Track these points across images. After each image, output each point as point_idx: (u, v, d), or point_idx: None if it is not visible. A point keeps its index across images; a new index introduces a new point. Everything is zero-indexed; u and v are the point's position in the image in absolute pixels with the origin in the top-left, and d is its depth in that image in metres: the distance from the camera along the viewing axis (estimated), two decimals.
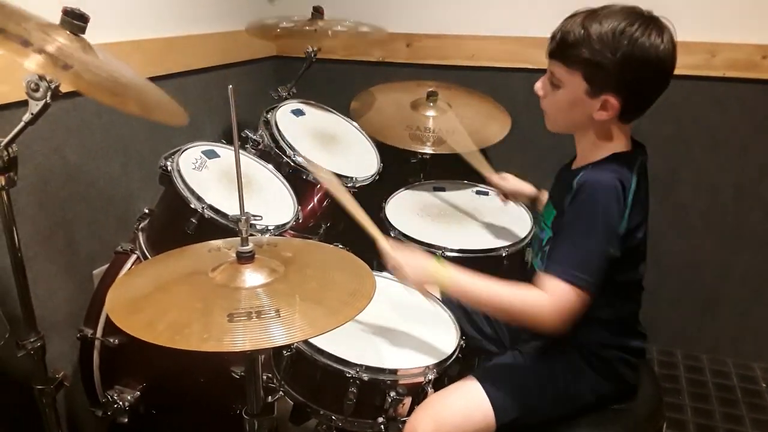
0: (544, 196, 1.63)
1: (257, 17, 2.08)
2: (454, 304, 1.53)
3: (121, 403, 1.47)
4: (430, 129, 2.05)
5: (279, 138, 1.75)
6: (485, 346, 1.51)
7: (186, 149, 1.54)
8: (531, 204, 1.75)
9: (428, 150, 2.00)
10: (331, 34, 1.98)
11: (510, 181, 1.74)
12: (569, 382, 1.25)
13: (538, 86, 1.27)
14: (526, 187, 1.71)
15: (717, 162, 2.13)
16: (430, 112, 2.10)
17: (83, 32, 1.09)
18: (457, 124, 2.04)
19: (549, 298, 1.12)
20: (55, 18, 1.08)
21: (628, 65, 1.11)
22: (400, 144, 2.00)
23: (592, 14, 1.14)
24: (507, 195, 1.76)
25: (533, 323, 1.15)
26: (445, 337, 1.36)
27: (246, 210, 0.99)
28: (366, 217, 1.35)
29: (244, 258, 0.97)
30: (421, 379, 1.23)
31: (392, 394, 1.20)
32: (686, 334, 2.31)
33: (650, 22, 1.13)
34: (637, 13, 1.14)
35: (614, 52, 1.11)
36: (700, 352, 2.33)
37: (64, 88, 1.03)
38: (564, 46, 1.17)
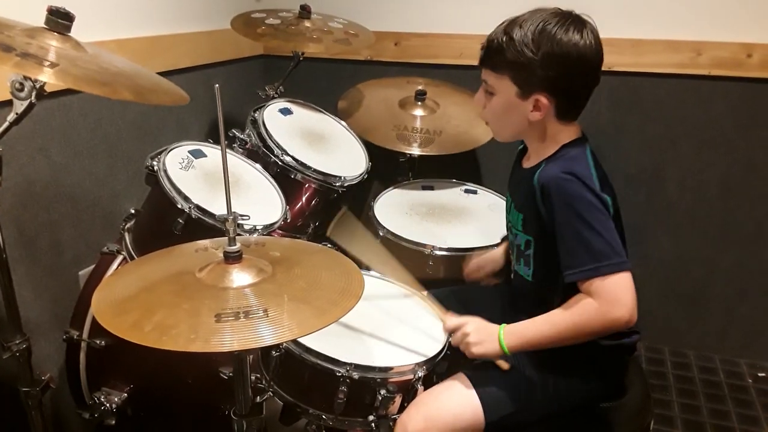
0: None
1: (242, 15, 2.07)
2: (445, 298, 1.53)
3: (108, 404, 1.46)
4: (417, 129, 2.05)
5: (267, 137, 1.75)
6: None
7: (172, 149, 1.53)
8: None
9: (415, 151, 2.00)
10: (316, 36, 1.97)
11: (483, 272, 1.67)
12: (558, 380, 1.25)
13: (477, 98, 1.31)
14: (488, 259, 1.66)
15: (703, 160, 2.15)
16: (418, 111, 2.10)
17: (69, 31, 1.09)
18: (460, 122, 2.00)
19: (600, 301, 1.11)
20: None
21: (550, 62, 1.15)
22: (388, 144, 2.00)
23: (514, 20, 1.20)
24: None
25: (607, 330, 1.13)
26: (433, 334, 1.36)
27: (233, 210, 0.98)
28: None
29: (232, 258, 0.97)
30: (410, 376, 1.23)
31: (382, 392, 1.20)
32: (673, 330, 2.32)
33: (569, 19, 1.17)
34: (556, 13, 1.18)
35: (535, 51, 1.15)
36: (687, 348, 2.35)
37: (52, 87, 1.03)
38: (490, 53, 1.22)
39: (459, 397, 1.22)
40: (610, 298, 1.11)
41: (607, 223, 1.14)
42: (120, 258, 1.52)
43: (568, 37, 1.14)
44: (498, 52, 1.20)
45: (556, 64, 1.15)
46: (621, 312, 1.10)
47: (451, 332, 1.29)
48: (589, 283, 1.12)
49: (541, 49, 1.14)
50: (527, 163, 1.32)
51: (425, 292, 1.38)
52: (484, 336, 1.22)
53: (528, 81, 1.18)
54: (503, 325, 1.22)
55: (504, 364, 1.23)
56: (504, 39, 1.18)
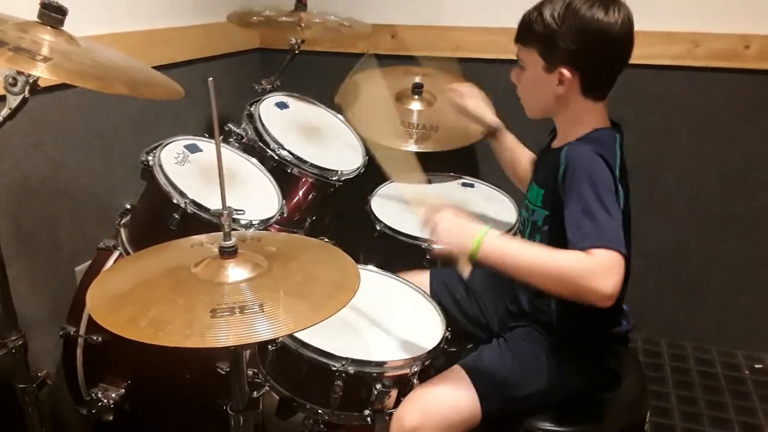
0: (505, 136, 1.66)
1: (239, 8, 2.06)
2: (441, 289, 1.54)
3: (105, 400, 1.46)
4: (414, 125, 2.04)
5: (263, 131, 1.74)
6: (472, 331, 1.51)
7: (168, 143, 1.52)
8: (485, 136, 1.73)
9: (412, 147, 1.98)
10: (308, 26, 1.95)
11: (471, 100, 1.72)
12: (554, 371, 1.26)
13: (512, 75, 1.33)
14: (488, 117, 1.69)
15: (701, 151, 2.14)
16: (416, 105, 2.09)
17: (62, 24, 1.09)
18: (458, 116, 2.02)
19: (594, 264, 1.06)
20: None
21: (571, 35, 1.17)
22: (384, 141, 1.99)
23: None
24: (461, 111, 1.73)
25: (581, 293, 1.07)
26: (430, 328, 1.36)
27: (229, 204, 0.98)
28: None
29: (227, 253, 0.96)
30: (406, 371, 1.23)
31: (378, 386, 1.20)
32: (671, 322, 2.33)
33: None
34: None
35: (560, 24, 1.18)
36: (684, 340, 2.35)
37: (45, 81, 1.02)
38: (521, 28, 1.26)
39: (455, 390, 1.22)
40: (605, 267, 1.06)
41: (617, 209, 1.13)
42: (116, 254, 1.51)
43: (591, 13, 1.16)
44: (528, 27, 1.24)
45: (577, 38, 1.17)
46: (605, 285, 1.04)
47: (425, 219, 1.24)
48: (590, 250, 1.08)
49: (565, 23, 1.17)
50: (556, 144, 1.33)
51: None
52: (456, 233, 1.19)
53: (552, 54, 1.21)
54: (486, 230, 1.17)
55: (465, 270, 1.18)
56: (535, 14, 1.22)
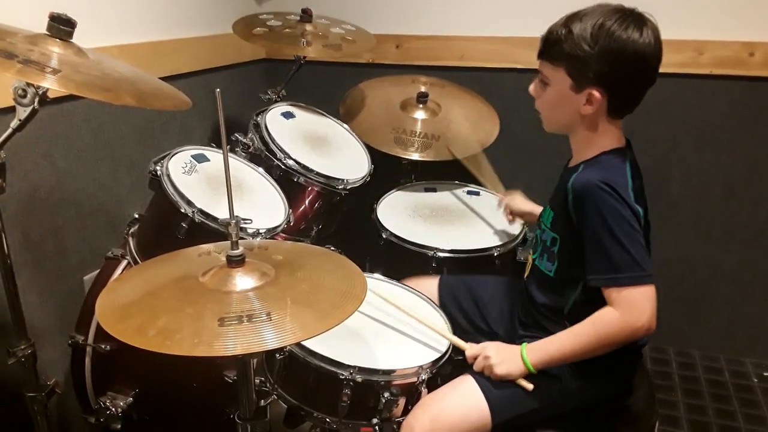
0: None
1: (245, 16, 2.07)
2: (449, 296, 1.55)
3: (113, 409, 1.46)
4: (416, 132, 2.05)
5: (269, 141, 1.75)
6: (478, 339, 1.51)
7: (175, 153, 1.53)
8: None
9: (413, 156, 1.99)
10: (307, 40, 1.96)
11: (517, 201, 1.74)
12: (564, 380, 1.25)
13: (532, 88, 1.31)
14: (535, 208, 1.68)
15: (706, 159, 2.14)
16: (420, 114, 2.10)
17: (71, 37, 1.10)
18: (460, 127, 2.04)
19: (621, 310, 1.13)
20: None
21: (606, 58, 1.15)
22: (384, 148, 2.00)
23: (574, 14, 1.20)
24: (513, 214, 1.75)
25: (627, 338, 1.15)
26: (437, 337, 1.35)
27: (236, 214, 0.99)
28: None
29: (235, 262, 0.97)
30: (414, 379, 1.23)
31: (386, 394, 1.20)
32: (678, 330, 2.32)
33: (630, 17, 1.16)
34: (618, 10, 1.17)
35: (593, 45, 1.15)
36: (692, 348, 2.34)
37: (54, 93, 1.04)
38: (548, 44, 1.23)
39: (465, 399, 1.22)
40: (629, 306, 1.13)
41: (635, 236, 1.14)
42: (124, 263, 1.52)
43: (627, 35, 1.14)
44: (556, 44, 1.20)
45: (611, 60, 1.15)
46: (640, 320, 1.12)
47: (473, 360, 1.28)
48: (608, 291, 1.15)
49: (599, 44, 1.15)
50: (571, 164, 1.33)
51: (445, 325, 1.41)
52: (506, 356, 1.23)
53: (583, 75, 1.18)
54: (524, 344, 1.23)
55: (527, 385, 1.22)
56: (563, 32, 1.19)
